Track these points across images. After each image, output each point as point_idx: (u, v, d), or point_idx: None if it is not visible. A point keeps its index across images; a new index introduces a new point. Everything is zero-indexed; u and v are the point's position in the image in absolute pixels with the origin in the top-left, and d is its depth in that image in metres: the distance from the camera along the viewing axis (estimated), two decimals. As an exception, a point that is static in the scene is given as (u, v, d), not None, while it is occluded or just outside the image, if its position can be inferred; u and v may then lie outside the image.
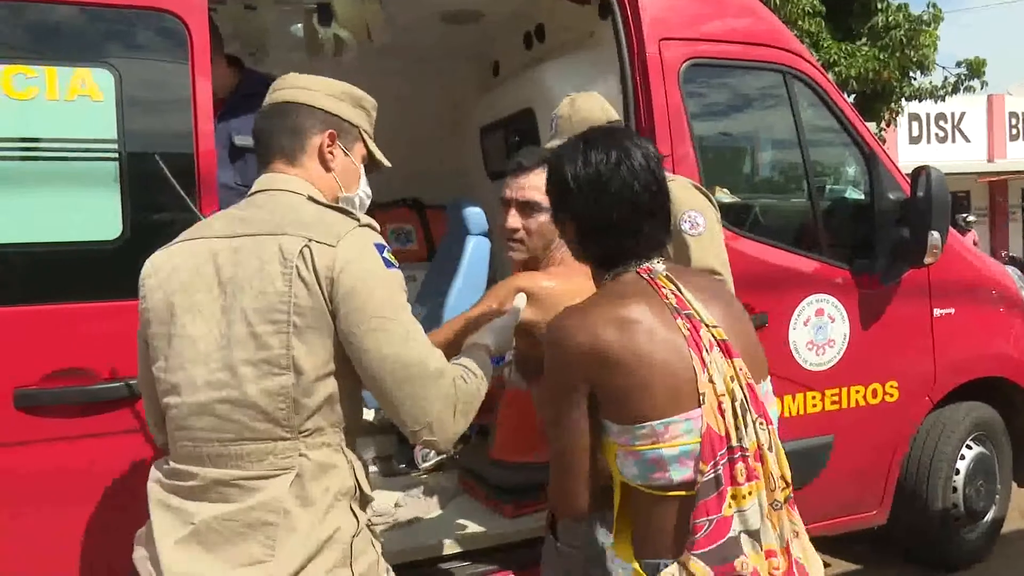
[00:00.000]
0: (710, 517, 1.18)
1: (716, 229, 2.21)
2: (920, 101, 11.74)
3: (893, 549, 3.42)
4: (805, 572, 1.23)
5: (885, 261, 2.97)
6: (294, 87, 1.53)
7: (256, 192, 1.49)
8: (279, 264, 1.33)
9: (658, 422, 1.21)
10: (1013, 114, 18.86)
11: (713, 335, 1.27)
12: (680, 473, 1.21)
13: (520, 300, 1.70)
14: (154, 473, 1.43)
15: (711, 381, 1.22)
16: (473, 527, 2.56)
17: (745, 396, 1.24)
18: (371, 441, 3.31)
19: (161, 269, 1.43)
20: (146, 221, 1.97)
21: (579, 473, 1.30)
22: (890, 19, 10.36)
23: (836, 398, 2.95)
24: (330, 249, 1.34)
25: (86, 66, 1.92)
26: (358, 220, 1.42)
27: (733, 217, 2.86)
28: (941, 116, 18.28)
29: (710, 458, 1.19)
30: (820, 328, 2.90)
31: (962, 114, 18.25)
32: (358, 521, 1.38)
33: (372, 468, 3.19)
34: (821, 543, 3.43)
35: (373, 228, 1.43)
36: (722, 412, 1.21)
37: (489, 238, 3.65)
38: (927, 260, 2.85)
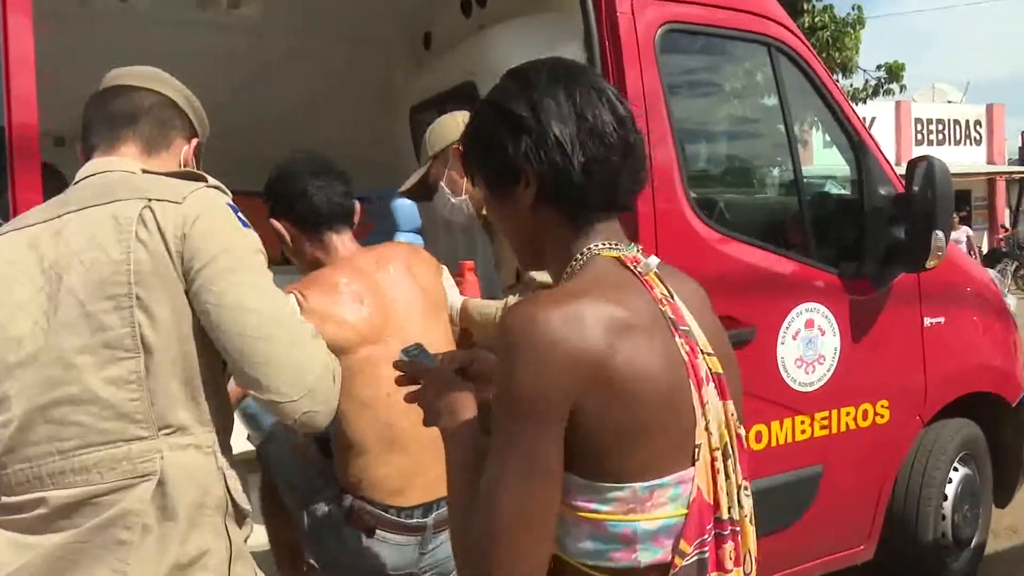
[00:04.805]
0: None
1: None
2: (842, 103, 11.86)
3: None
4: None
5: (876, 264, 2.62)
6: (163, 81, 1.39)
7: (82, 178, 1.29)
8: (113, 231, 1.17)
9: (644, 484, 0.88)
10: (919, 120, 19.62)
11: (709, 366, 0.95)
12: (651, 554, 0.89)
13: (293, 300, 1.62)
14: None
15: (707, 430, 0.91)
16: None
17: (735, 453, 0.95)
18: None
19: None
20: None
21: (538, 540, 0.87)
22: (816, 20, 10.38)
23: (826, 422, 2.59)
24: (176, 206, 1.19)
25: None
26: (206, 180, 1.27)
27: (717, 214, 2.45)
28: (853, 120, 18.78)
29: (696, 535, 0.90)
30: (810, 342, 2.52)
31: (872, 119, 18.81)
32: (230, 541, 1.20)
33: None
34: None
35: (222, 191, 1.28)
36: (715, 473, 0.91)
37: (422, 235, 3.13)
38: (930, 263, 2.52)
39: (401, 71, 3.42)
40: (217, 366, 1.24)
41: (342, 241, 1.80)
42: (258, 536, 1.65)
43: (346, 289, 1.70)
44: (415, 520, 1.75)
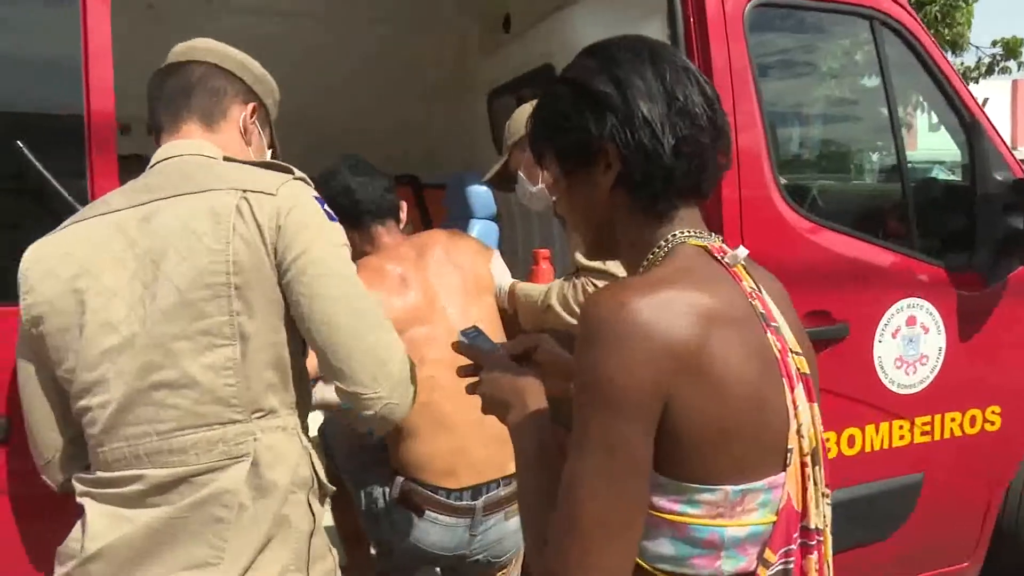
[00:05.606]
0: None
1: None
2: (951, 83, 11.12)
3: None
4: None
5: (990, 256, 2.39)
6: (211, 50, 1.38)
7: (157, 162, 1.30)
8: (210, 222, 1.19)
9: (736, 488, 0.83)
10: (1037, 100, 18.21)
11: (798, 365, 0.90)
12: (735, 563, 0.85)
13: None
14: (79, 487, 1.24)
15: (799, 434, 0.87)
16: None
17: (821, 459, 0.90)
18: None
19: (49, 257, 1.22)
20: (13, 192, 1.42)
21: (624, 545, 0.81)
22: (924, -6, 9.73)
23: (928, 428, 2.39)
24: (270, 197, 1.22)
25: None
26: (292, 172, 1.28)
27: (809, 201, 2.30)
28: (964, 102, 17.64)
29: (782, 544, 0.86)
30: (911, 341, 2.33)
31: (985, 99, 17.54)
32: (314, 517, 1.24)
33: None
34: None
35: (307, 183, 1.29)
36: (804, 480, 0.88)
37: (497, 222, 3.08)
38: (1054, 256, 2.27)
39: (478, 55, 3.37)
40: (300, 352, 1.27)
41: (388, 232, 1.88)
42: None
43: (391, 273, 1.77)
44: (464, 502, 1.77)
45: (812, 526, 0.88)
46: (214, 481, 1.17)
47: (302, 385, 1.28)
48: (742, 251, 0.92)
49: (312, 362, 1.36)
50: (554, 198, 2.02)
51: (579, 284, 1.81)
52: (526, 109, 2.13)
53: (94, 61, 1.55)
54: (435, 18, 3.13)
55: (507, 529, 1.82)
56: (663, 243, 0.92)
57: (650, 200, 0.92)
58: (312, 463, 1.27)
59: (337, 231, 1.28)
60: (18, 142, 1.44)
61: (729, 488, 0.83)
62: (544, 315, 1.87)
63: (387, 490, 1.80)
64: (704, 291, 0.85)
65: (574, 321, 1.80)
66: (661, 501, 0.84)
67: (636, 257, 0.94)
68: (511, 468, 1.78)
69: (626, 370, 0.79)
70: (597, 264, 1.76)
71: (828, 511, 0.91)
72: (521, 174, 2.17)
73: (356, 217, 1.84)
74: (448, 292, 1.80)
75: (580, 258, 1.81)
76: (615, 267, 1.74)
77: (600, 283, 1.76)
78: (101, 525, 1.18)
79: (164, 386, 1.17)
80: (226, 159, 1.30)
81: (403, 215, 1.95)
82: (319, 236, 1.23)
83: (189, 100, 1.32)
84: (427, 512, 1.76)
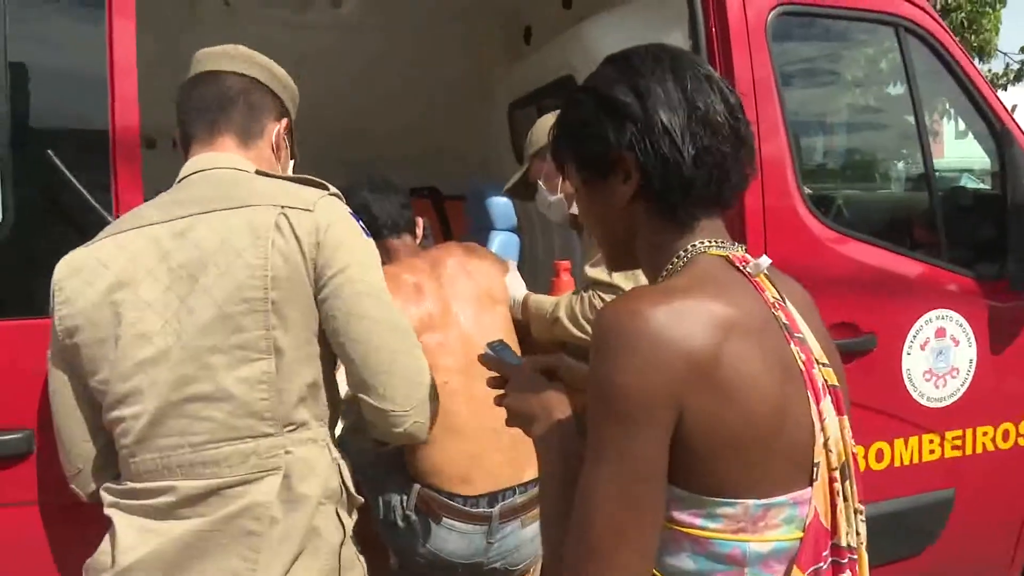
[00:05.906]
0: None
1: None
2: (978, 90, 10.98)
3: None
4: None
5: (1021, 266, 2.34)
6: (245, 59, 1.37)
7: (186, 176, 1.29)
8: (249, 237, 1.19)
9: (757, 502, 0.82)
10: (1068, 107, 17.92)
11: (825, 377, 0.89)
12: None
13: None
14: (107, 497, 1.24)
15: (827, 447, 0.86)
16: None
17: (852, 474, 0.88)
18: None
19: (84, 268, 1.22)
20: (41, 205, 1.43)
21: (640, 555, 0.80)
22: (949, 0, 9.63)
23: (959, 442, 2.34)
24: (308, 213, 1.23)
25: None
26: (327, 188, 1.29)
27: (834, 211, 2.27)
28: (991, 109, 17.39)
29: (811, 562, 0.84)
30: (941, 353, 2.28)
31: (1014, 106, 17.24)
32: (344, 528, 1.25)
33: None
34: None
35: (340, 198, 1.31)
36: (833, 495, 0.86)
37: (519, 234, 3.07)
38: (1092, 267, 2.22)
39: (499, 66, 3.38)
40: (331, 365, 1.28)
41: (403, 245, 1.93)
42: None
43: (407, 282, 1.81)
44: (481, 509, 1.77)
45: (844, 544, 0.86)
46: (246, 494, 1.18)
47: (332, 397, 1.28)
48: (765, 261, 0.91)
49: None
50: (572, 209, 2.02)
51: (586, 297, 1.83)
52: (547, 119, 2.14)
53: (119, 75, 1.57)
54: (456, 29, 3.15)
55: (524, 536, 1.81)
56: (682, 253, 0.91)
57: (670, 210, 0.91)
58: (341, 474, 1.27)
59: (373, 248, 1.30)
60: (48, 152, 1.45)
61: (750, 502, 0.82)
62: (553, 327, 1.88)
63: (404, 497, 1.81)
64: (721, 300, 0.84)
65: (579, 334, 1.82)
66: (681, 515, 0.83)
67: (656, 267, 0.94)
68: (527, 475, 1.78)
69: (638, 376, 0.78)
70: (605, 278, 1.78)
71: (862, 528, 0.89)
72: (541, 184, 2.18)
73: (373, 232, 1.89)
74: (461, 301, 1.83)
75: (589, 271, 1.83)
76: (623, 281, 1.76)
77: (607, 297, 1.78)
78: (132, 538, 1.18)
79: (198, 399, 1.17)
80: (259, 172, 1.31)
81: (419, 230, 1.99)
82: (357, 254, 1.25)
83: (227, 114, 1.32)
84: (444, 519, 1.77)
